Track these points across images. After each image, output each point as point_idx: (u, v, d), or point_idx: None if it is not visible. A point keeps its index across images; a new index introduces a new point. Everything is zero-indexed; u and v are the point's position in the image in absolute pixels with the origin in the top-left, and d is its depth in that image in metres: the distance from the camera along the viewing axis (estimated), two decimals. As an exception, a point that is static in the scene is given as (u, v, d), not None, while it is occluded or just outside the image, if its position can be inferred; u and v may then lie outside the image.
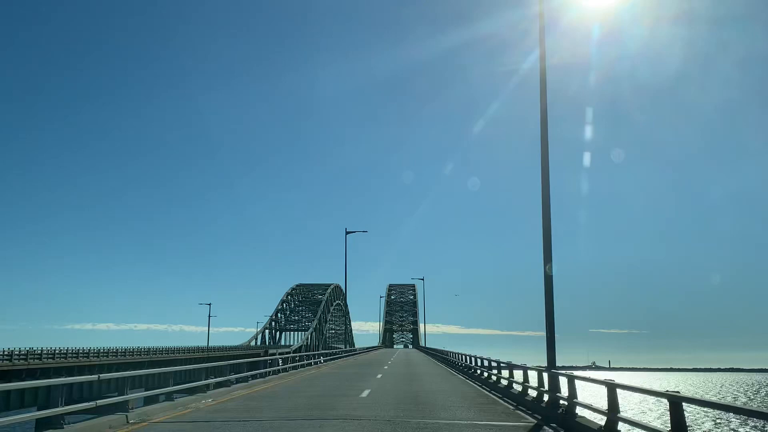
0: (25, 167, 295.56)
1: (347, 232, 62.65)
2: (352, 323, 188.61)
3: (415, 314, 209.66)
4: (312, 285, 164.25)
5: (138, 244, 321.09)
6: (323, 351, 77.82)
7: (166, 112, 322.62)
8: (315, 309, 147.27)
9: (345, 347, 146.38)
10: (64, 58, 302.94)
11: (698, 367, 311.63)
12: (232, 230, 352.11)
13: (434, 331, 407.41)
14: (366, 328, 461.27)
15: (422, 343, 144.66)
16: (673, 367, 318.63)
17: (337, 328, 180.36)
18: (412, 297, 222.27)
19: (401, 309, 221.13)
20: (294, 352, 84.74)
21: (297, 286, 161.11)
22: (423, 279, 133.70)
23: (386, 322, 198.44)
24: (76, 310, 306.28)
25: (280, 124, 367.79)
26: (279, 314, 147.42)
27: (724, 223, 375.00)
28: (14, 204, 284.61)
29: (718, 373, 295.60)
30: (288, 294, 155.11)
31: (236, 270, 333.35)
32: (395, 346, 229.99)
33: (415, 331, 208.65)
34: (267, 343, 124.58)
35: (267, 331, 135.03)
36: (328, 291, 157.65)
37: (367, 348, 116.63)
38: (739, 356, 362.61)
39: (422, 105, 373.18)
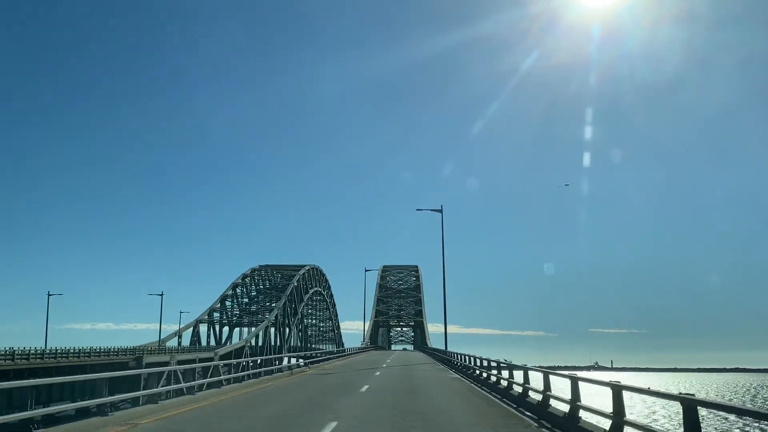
0: (22, 165, 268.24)
1: None
2: (341, 322, 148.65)
3: (418, 302, 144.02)
4: (280, 267, 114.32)
5: (134, 242, 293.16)
6: (267, 356, 44.64)
7: (162, 110, 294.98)
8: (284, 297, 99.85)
9: (325, 348, 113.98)
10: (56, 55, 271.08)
11: (703, 367, 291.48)
12: (228, 224, 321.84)
13: (434, 330, 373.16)
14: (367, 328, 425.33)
15: (431, 344, 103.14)
16: (678, 367, 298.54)
17: (322, 324, 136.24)
18: (414, 280, 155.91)
19: (399, 297, 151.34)
20: (223, 357, 51.44)
21: (260, 267, 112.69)
22: (441, 210, 62.15)
23: (377, 313, 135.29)
24: (77, 310, 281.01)
25: (277, 123, 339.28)
26: (229, 302, 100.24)
27: (724, 223, 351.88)
28: (13, 203, 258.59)
29: (723, 373, 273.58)
30: (245, 276, 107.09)
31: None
32: (393, 347, 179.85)
33: (419, 327, 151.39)
34: (207, 344, 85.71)
35: (209, 326, 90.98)
36: (301, 273, 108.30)
37: (353, 350, 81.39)
38: (743, 356, 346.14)
39: (421, 104, 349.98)
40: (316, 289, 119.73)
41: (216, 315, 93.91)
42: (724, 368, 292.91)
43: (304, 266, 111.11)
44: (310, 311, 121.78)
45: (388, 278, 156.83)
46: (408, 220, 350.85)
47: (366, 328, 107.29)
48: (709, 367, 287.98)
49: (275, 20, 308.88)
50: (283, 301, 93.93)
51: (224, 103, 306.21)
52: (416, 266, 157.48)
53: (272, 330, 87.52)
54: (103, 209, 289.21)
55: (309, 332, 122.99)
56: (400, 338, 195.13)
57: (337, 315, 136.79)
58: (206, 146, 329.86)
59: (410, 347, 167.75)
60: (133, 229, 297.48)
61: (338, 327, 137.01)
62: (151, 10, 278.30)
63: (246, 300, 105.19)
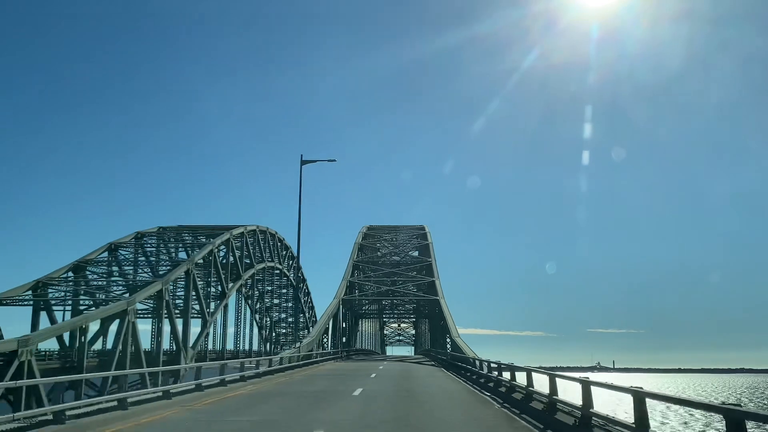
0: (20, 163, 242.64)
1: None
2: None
3: (428, 271, 77.39)
4: (206, 227, 63.38)
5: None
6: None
7: (164, 109, 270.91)
8: (206, 272, 55.32)
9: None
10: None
11: (707, 367, 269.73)
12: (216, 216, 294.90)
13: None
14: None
15: (467, 351, 45.32)
16: (682, 367, 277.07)
17: (294, 319, 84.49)
18: (419, 240, 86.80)
19: (393, 267, 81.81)
20: None
21: (179, 227, 63.00)
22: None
23: (349, 288, 72.97)
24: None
25: (276, 119, 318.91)
26: (96, 273, 51.62)
27: (724, 222, 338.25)
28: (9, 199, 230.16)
29: (728, 374, 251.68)
30: (142, 236, 57.95)
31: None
32: (389, 350, 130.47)
33: (428, 315, 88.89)
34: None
35: (35, 312, 43.46)
36: (235, 234, 60.09)
37: (277, 365, 35.65)
38: (747, 355, 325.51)
39: (421, 103, 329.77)
40: (269, 264, 70.12)
41: (53, 293, 45.48)
42: (729, 369, 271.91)
43: (240, 226, 61.10)
44: (275, 300, 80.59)
45: (375, 237, 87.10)
46: (407, 216, 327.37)
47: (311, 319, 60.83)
48: (713, 367, 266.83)
49: (275, 18, 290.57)
50: (182, 270, 46.03)
51: (222, 97, 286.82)
52: (422, 227, 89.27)
53: (154, 324, 45.46)
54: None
55: (282, 329, 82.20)
56: (397, 338, 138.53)
57: (313, 306, 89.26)
58: (205, 142, 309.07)
59: (411, 351, 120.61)
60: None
61: (315, 322, 79.94)
62: (154, 9, 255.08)
63: (148, 274, 55.72)
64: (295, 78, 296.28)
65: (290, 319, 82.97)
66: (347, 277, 71.46)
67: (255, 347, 71.24)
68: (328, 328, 58.70)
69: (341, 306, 66.30)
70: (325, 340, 56.38)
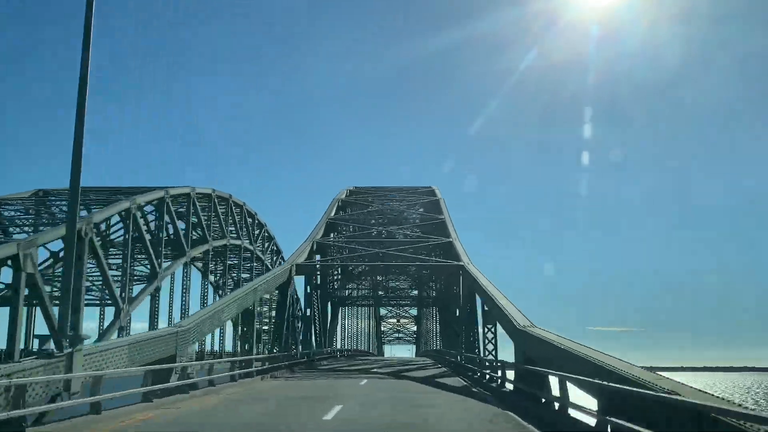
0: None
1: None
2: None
3: (440, 230, 46.61)
4: (139, 189, 38.78)
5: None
6: None
7: (158, 103, 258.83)
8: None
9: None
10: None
11: (708, 365, 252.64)
12: None
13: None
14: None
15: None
16: (684, 365, 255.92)
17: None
18: (426, 200, 56.72)
19: (391, 224, 53.97)
20: None
21: (95, 189, 39.30)
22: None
23: (319, 251, 46.10)
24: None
25: (274, 119, 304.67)
26: None
27: (723, 222, 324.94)
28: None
29: (731, 372, 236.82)
30: (39, 196, 38.07)
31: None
32: (387, 350, 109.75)
33: (437, 307, 65.50)
34: None
35: None
36: (170, 195, 37.75)
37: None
38: (747, 354, 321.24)
39: (419, 103, 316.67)
40: (233, 242, 51.30)
41: None
42: (732, 367, 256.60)
43: (185, 187, 41.33)
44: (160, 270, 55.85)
45: (365, 194, 60.88)
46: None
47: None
48: (714, 365, 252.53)
49: (274, 17, 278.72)
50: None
51: (220, 95, 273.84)
52: (429, 188, 62.18)
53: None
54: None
55: (265, 326, 65.33)
56: (396, 335, 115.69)
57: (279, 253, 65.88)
58: (204, 146, 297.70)
59: (413, 351, 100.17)
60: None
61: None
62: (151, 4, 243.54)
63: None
64: (291, 77, 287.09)
65: (271, 313, 65.90)
66: (315, 236, 45.14)
67: (229, 348, 55.28)
68: (256, 309, 36.08)
69: (296, 276, 41.06)
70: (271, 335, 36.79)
